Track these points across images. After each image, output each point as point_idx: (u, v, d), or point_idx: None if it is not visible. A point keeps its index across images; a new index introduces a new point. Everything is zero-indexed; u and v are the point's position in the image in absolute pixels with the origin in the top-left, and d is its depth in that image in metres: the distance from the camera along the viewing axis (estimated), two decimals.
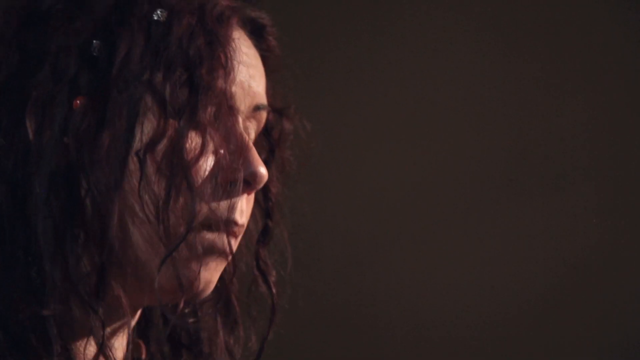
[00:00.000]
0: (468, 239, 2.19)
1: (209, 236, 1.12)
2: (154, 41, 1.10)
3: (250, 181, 1.13)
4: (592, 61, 2.14)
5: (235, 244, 1.15)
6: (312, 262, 1.34)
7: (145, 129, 1.09)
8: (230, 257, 1.14)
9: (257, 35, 1.21)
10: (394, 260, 2.20)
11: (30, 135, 1.10)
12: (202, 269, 1.12)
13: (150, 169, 1.09)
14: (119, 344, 1.15)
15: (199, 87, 1.10)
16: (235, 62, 1.12)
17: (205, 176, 1.11)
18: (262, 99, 1.18)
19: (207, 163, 1.11)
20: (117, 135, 1.09)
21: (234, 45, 1.13)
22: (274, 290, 1.26)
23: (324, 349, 2.07)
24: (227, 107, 1.13)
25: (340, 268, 2.16)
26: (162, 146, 1.09)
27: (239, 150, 1.12)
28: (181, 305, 1.14)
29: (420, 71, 2.18)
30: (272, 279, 1.26)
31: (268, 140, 1.28)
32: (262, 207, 1.28)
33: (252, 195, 1.18)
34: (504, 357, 2.20)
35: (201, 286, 1.13)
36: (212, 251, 1.13)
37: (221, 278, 1.20)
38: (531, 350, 2.18)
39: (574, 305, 2.16)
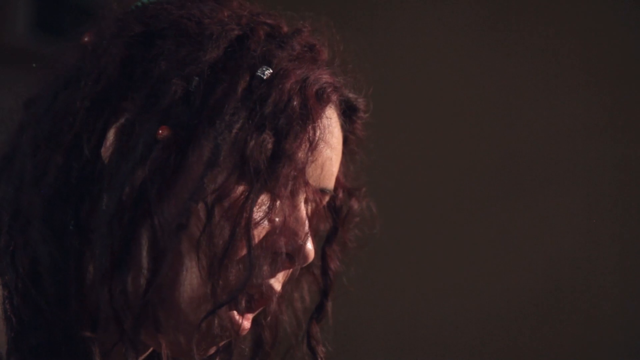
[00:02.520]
0: (462, 238, 2.19)
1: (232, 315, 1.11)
2: (252, 97, 1.10)
3: (294, 256, 1.12)
4: (586, 65, 2.15)
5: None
6: None
7: (218, 179, 1.08)
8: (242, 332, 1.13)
9: (347, 116, 1.21)
10: (388, 259, 2.19)
11: (108, 152, 1.09)
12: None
13: (215, 220, 1.08)
14: None
15: (282, 156, 1.09)
16: (321, 141, 1.13)
17: (263, 244, 1.10)
18: (332, 183, 1.18)
19: (265, 230, 1.11)
20: (192, 178, 1.08)
21: (325, 124, 1.14)
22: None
23: None
24: (301, 183, 1.12)
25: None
26: (229, 201, 1.08)
27: (294, 224, 1.12)
28: None
29: (417, 74, 2.20)
30: (322, 355, 1.26)
31: (333, 218, 1.28)
32: (320, 283, 1.29)
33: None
34: (496, 352, 2.19)
35: (211, 352, 1.12)
36: (230, 327, 1.11)
37: (261, 343, 1.20)
38: (523, 346, 2.18)
39: (566, 303, 2.17)
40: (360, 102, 1.23)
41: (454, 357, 2.23)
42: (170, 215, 1.08)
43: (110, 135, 1.10)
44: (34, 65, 1.25)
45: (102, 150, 1.10)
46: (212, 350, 1.11)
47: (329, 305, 1.29)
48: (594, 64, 2.16)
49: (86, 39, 1.17)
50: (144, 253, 1.08)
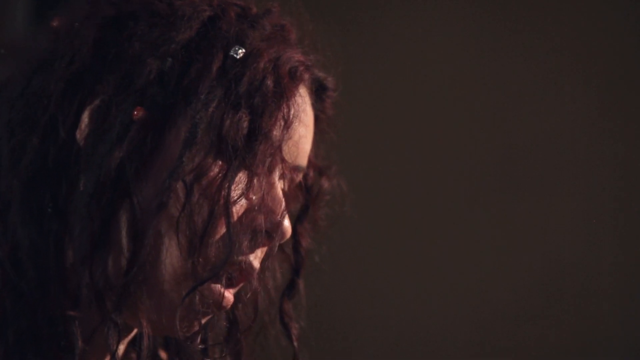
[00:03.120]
0: (460, 238, 2.19)
1: (217, 288, 1.11)
2: (227, 76, 1.10)
3: (272, 233, 1.13)
4: (584, 65, 2.15)
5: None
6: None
7: (196, 158, 1.09)
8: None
9: (317, 95, 1.22)
10: (386, 258, 2.20)
11: (84, 134, 1.09)
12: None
13: (194, 199, 1.08)
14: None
15: (258, 134, 1.10)
16: (295, 119, 1.14)
17: (242, 221, 1.11)
18: (305, 160, 1.19)
19: (244, 208, 1.12)
20: (169, 157, 1.09)
21: (298, 102, 1.15)
22: (295, 344, 1.26)
23: None
24: (278, 160, 1.14)
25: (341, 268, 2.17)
26: (207, 180, 1.09)
27: (271, 202, 1.13)
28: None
29: (415, 74, 2.19)
30: (295, 332, 1.27)
31: (305, 196, 1.30)
32: (291, 261, 1.30)
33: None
34: (493, 352, 2.19)
35: (195, 328, 1.13)
36: (214, 301, 1.12)
37: (236, 321, 1.21)
38: (520, 343, 2.18)
39: (566, 302, 2.16)
40: (330, 81, 1.25)
41: (436, 345, 2.24)
42: (149, 195, 1.08)
43: (85, 117, 1.10)
44: (1, 51, 1.25)
45: (77, 132, 1.10)
46: (196, 327, 1.11)
47: (301, 282, 1.30)
48: (594, 62, 2.15)
49: (56, 23, 1.18)
50: (124, 233, 1.08)
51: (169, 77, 1.10)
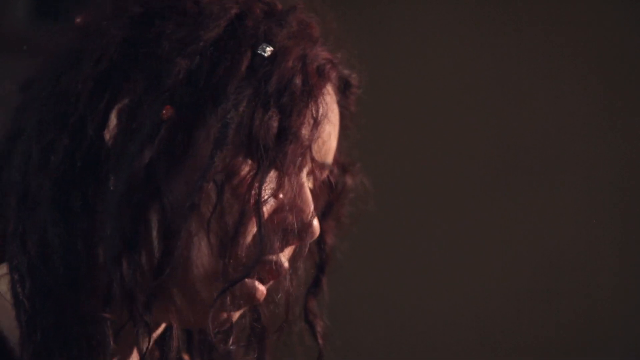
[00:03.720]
0: (460, 232, 2.20)
1: (250, 281, 1.12)
2: (256, 75, 1.10)
3: (302, 233, 1.13)
4: (583, 59, 2.17)
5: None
6: None
7: (227, 158, 1.09)
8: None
9: (342, 92, 1.22)
10: (387, 253, 2.21)
11: (112, 134, 1.09)
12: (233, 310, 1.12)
13: (225, 198, 1.08)
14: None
15: (288, 133, 1.10)
16: (324, 118, 1.13)
17: (273, 221, 1.11)
18: (331, 157, 1.19)
19: (274, 207, 1.12)
20: (200, 157, 1.09)
21: (327, 100, 1.15)
22: (320, 342, 1.26)
23: None
24: (308, 160, 1.14)
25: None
26: (238, 179, 1.09)
27: (301, 201, 1.13)
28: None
29: (415, 69, 2.20)
30: (320, 330, 1.27)
31: (329, 193, 1.30)
32: (315, 258, 1.30)
33: None
34: (491, 343, 2.21)
35: (228, 324, 1.13)
36: (247, 296, 1.12)
37: (260, 320, 1.21)
38: (519, 338, 2.20)
39: (565, 297, 2.18)
40: (354, 78, 1.25)
41: (450, 340, 2.25)
42: (179, 194, 1.08)
43: (113, 116, 1.10)
44: (24, 47, 1.24)
45: (105, 132, 1.09)
46: (228, 323, 1.12)
47: (325, 280, 1.30)
48: (595, 57, 2.17)
49: (80, 20, 1.17)
50: (154, 233, 1.08)
51: (198, 76, 1.09)
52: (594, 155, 2.19)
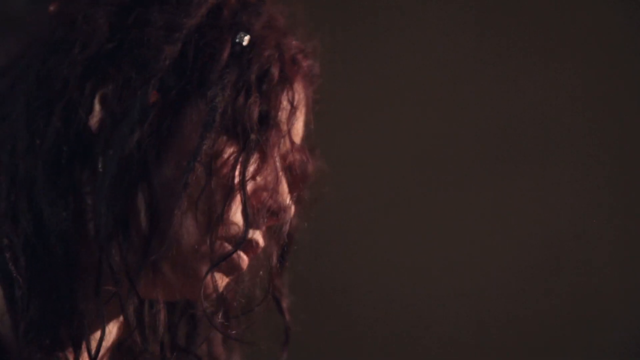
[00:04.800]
0: (457, 210, 2.21)
1: (237, 254, 1.18)
2: (238, 62, 1.16)
3: (279, 213, 1.19)
4: (580, 36, 2.18)
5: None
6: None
7: (213, 141, 1.14)
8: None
9: (309, 80, 1.27)
10: (384, 234, 2.23)
11: (97, 118, 1.13)
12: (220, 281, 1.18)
13: (211, 179, 1.14)
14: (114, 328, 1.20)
15: (269, 118, 1.17)
16: (300, 103, 1.21)
17: (255, 200, 1.17)
18: (299, 141, 1.26)
19: (255, 188, 1.18)
20: (187, 140, 1.14)
21: (300, 87, 1.22)
22: (287, 317, 1.32)
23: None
24: (287, 143, 1.20)
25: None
26: (224, 161, 1.15)
27: (278, 183, 1.19)
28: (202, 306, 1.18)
29: (412, 48, 2.21)
30: (286, 305, 1.32)
31: (292, 177, 1.35)
32: (281, 238, 1.35)
33: None
34: (490, 324, 2.22)
35: (216, 293, 1.18)
36: (234, 267, 1.18)
37: (226, 301, 1.25)
38: (520, 319, 2.21)
39: (565, 276, 2.19)
40: (317, 67, 1.30)
41: (430, 316, 2.26)
42: (168, 176, 1.13)
43: (98, 101, 1.14)
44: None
45: (91, 116, 1.13)
46: (215, 294, 1.17)
47: (289, 259, 1.35)
48: (589, 37, 2.18)
49: (54, 8, 1.20)
50: (144, 212, 1.13)
51: (183, 62, 1.15)
52: (592, 131, 2.20)
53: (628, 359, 2.18)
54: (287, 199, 1.19)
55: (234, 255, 1.17)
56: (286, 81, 1.18)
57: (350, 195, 2.21)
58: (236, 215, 1.16)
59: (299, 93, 1.21)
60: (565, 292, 2.20)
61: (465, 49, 2.22)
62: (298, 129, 1.23)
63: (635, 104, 2.19)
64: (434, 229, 2.24)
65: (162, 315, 1.19)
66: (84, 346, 1.12)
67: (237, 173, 1.15)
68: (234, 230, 1.15)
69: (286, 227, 1.21)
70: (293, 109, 1.19)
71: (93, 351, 1.12)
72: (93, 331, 1.14)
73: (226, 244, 1.15)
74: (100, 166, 1.12)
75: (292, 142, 1.20)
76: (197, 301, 1.16)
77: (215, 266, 1.14)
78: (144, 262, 1.12)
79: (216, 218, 1.13)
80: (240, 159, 1.15)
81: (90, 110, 1.14)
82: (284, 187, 1.20)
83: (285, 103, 1.19)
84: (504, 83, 2.21)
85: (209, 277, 1.14)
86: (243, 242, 1.15)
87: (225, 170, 1.15)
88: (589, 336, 2.21)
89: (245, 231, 1.15)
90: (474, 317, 2.24)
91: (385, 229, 2.25)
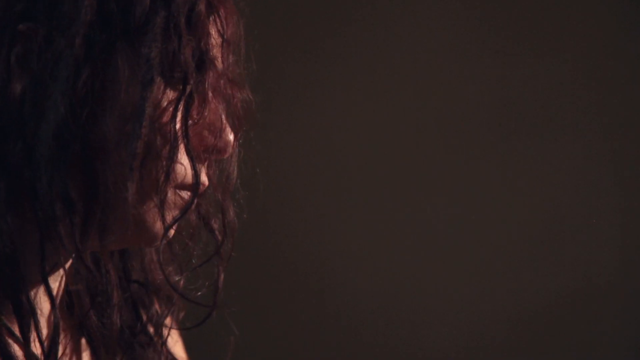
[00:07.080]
0: (459, 185, 2.20)
1: (184, 194, 1.16)
2: (165, 6, 1.10)
3: (221, 149, 1.16)
4: (580, 12, 2.17)
5: None
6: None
7: (153, 93, 1.09)
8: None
9: (233, 11, 1.22)
10: (382, 210, 2.23)
11: (21, 82, 1.08)
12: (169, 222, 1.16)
13: (153, 131, 1.10)
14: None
15: (205, 57, 1.12)
16: (232, 37, 1.16)
17: (198, 143, 1.15)
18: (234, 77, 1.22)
19: (196, 129, 1.15)
20: (124, 94, 1.09)
21: (229, 19, 1.16)
22: (219, 237, 1.27)
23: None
24: (225, 80, 1.16)
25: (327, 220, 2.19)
26: (161, 110, 1.11)
27: (218, 120, 1.16)
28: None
29: (412, 24, 2.20)
30: (216, 226, 1.28)
31: (233, 115, 1.34)
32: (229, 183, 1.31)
33: None
34: (487, 301, 2.22)
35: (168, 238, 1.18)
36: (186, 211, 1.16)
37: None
38: (518, 296, 2.21)
39: (566, 254, 2.19)
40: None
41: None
42: (109, 134, 1.09)
43: (16, 63, 1.08)
44: None
45: (13, 80, 1.08)
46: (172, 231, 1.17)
47: (231, 205, 1.32)
48: (590, 14, 2.17)
49: None
50: (87, 181, 1.10)
51: (107, 15, 1.09)
52: (589, 106, 2.18)
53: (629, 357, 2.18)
54: (228, 135, 1.16)
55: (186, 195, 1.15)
56: (216, 15, 1.14)
57: (344, 189, 2.21)
58: (183, 161, 1.13)
59: (232, 26, 1.17)
60: (567, 287, 2.19)
61: (472, 22, 2.21)
62: (232, 65, 1.19)
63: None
64: (432, 227, 2.24)
65: (112, 275, 1.19)
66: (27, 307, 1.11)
67: (179, 120, 1.11)
68: (181, 176, 1.13)
69: (234, 171, 1.20)
70: (226, 43, 1.15)
71: (38, 314, 1.11)
72: (36, 296, 1.13)
73: (182, 193, 1.14)
74: (32, 137, 1.07)
75: (230, 79, 1.17)
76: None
77: (177, 220, 1.13)
78: (91, 233, 1.10)
79: (165, 170, 1.10)
80: (181, 106, 1.11)
81: (8, 74, 1.08)
82: (225, 124, 1.16)
83: (218, 38, 1.14)
84: (507, 63, 2.21)
85: (163, 226, 1.12)
86: (198, 189, 1.13)
87: (165, 119, 1.11)
88: (590, 333, 2.20)
89: (196, 178, 1.12)
90: (474, 316, 2.23)
91: (381, 221, 2.24)
